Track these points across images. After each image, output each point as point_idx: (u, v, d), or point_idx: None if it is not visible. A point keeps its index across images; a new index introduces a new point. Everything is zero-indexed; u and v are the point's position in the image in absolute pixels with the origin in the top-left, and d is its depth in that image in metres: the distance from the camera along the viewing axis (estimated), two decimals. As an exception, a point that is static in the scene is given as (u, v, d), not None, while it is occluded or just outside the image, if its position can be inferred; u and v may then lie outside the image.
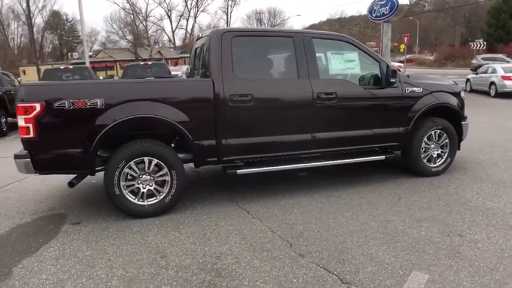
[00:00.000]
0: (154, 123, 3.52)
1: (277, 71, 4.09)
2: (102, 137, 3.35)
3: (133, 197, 3.58)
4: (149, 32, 49.15)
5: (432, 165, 4.73)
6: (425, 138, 4.63)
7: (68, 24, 69.87)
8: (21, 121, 3.21)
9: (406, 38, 19.87)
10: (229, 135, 3.76)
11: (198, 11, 55.52)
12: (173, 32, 57.29)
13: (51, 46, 65.55)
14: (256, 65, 3.97)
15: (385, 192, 4.22)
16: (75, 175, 3.63)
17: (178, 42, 59.60)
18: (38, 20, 54.15)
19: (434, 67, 38.46)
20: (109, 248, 3.04)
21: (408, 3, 14.07)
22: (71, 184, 3.53)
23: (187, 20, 55.45)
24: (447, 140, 4.76)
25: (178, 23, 54.98)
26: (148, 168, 3.57)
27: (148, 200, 3.62)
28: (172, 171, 3.62)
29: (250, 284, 2.49)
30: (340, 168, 4.92)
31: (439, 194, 4.13)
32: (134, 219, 3.57)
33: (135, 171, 3.54)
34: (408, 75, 4.61)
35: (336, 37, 4.37)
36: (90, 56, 53.10)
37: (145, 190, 3.60)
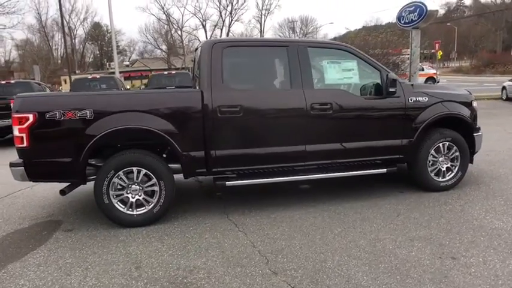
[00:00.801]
0: (142, 134, 3.57)
1: (270, 81, 4.03)
2: (91, 147, 3.44)
3: (123, 206, 3.63)
4: (184, 42, 50.73)
5: (441, 179, 4.45)
6: (432, 151, 4.36)
7: (108, 35, 73.49)
8: (15, 131, 3.36)
9: (437, 45, 19.08)
10: (218, 146, 3.74)
11: (232, 20, 56.50)
12: (207, 41, 58.51)
13: (92, 56, 69.09)
14: (248, 75, 3.94)
15: (384, 207, 4.01)
16: (68, 183, 3.74)
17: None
18: (80, 31, 57.34)
19: (471, 74, 36.63)
20: (90, 257, 3.09)
21: (438, 9, 13.58)
22: (62, 192, 3.65)
23: (221, 29, 56.52)
24: (457, 153, 4.46)
25: (212, 32, 56.06)
26: (137, 178, 3.62)
27: (138, 209, 3.67)
28: (161, 182, 3.64)
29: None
30: (345, 181, 4.75)
31: (443, 210, 3.86)
32: (124, 228, 3.62)
33: (124, 181, 3.60)
34: (413, 85, 4.38)
35: (333, 46, 4.25)
36: (127, 66, 55.62)
37: (134, 200, 3.64)
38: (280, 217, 3.82)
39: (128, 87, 25.26)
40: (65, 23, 52.05)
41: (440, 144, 4.39)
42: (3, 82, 10.55)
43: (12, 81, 11.26)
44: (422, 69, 23.59)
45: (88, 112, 3.43)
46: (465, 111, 4.44)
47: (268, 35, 56.96)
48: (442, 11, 59.45)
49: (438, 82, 26.36)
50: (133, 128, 3.51)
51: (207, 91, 3.68)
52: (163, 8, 50.07)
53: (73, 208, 4.31)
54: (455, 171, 4.49)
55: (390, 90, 3.97)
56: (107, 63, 60.00)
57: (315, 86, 4.00)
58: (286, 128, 3.90)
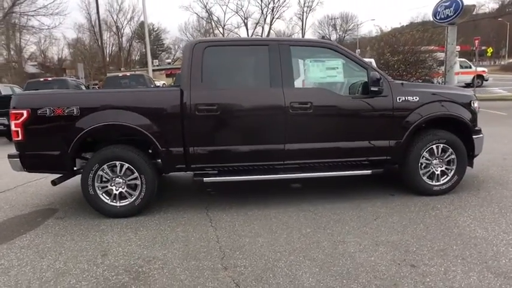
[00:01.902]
0: (125, 130, 3.78)
1: (250, 80, 4.06)
2: (77, 141, 3.70)
3: (108, 198, 3.88)
4: (226, 40, 51.55)
5: (434, 183, 4.23)
6: (424, 153, 4.16)
7: (154, 33, 76.70)
8: (12, 125, 3.71)
9: (476, 41, 17.77)
10: (197, 143, 3.86)
11: (273, 18, 56.43)
12: (248, 39, 58.96)
13: (138, 54, 72.28)
14: (228, 74, 4.00)
15: (366, 210, 3.91)
16: (60, 175, 4.05)
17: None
18: (127, 30, 60.17)
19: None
20: (68, 243, 3.35)
21: (475, 3, 12.66)
22: (53, 183, 3.97)
23: (263, 27, 56.68)
24: (453, 156, 4.22)
25: (254, 30, 56.48)
26: (120, 171, 3.84)
27: (121, 201, 3.89)
28: (142, 176, 3.84)
29: (158, 291, 2.56)
30: (337, 181, 4.69)
31: (427, 216, 3.69)
32: (108, 219, 3.86)
33: (108, 174, 3.83)
34: (402, 83, 4.19)
35: (317, 44, 4.19)
36: (169, 63, 57.66)
37: (117, 192, 3.87)
38: (256, 215, 3.86)
39: (163, 83, 26.22)
40: (113, 22, 55.01)
41: (434, 146, 4.17)
42: (41, 79, 11.51)
43: (50, 79, 12.22)
44: (470, 67, 22.10)
45: (75, 109, 3.69)
46: (462, 112, 4.18)
47: (309, 32, 56.17)
48: (495, 6, 55.04)
49: (487, 80, 24.55)
50: (114, 124, 3.72)
51: (186, 90, 3.81)
52: (205, 7, 51.35)
53: (72, 198, 4.65)
54: (450, 175, 4.25)
55: (372, 89, 3.85)
56: (152, 61, 62.59)
57: (296, 84, 3.98)
58: (265, 127, 3.92)
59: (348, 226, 3.52)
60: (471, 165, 4.45)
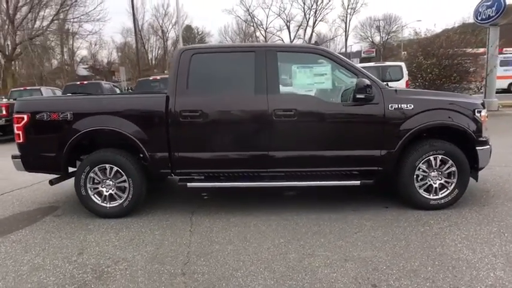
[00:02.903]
0: (113, 135, 3.95)
1: (236, 86, 4.04)
2: (70, 144, 3.93)
3: (99, 199, 4.07)
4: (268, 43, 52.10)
5: (432, 196, 3.96)
6: (420, 164, 3.91)
7: (199, 36, 79.02)
8: (15, 129, 4.03)
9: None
10: (181, 148, 3.94)
11: (316, 20, 55.77)
12: (291, 42, 58.93)
13: (183, 57, 74.52)
14: (214, 81, 4.03)
15: (351, 222, 3.75)
16: (57, 176, 4.31)
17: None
18: (172, 34, 62.46)
19: None
20: (53, 240, 3.58)
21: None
22: (50, 182, 4.25)
23: (305, 29, 56.20)
24: (454, 168, 3.92)
25: (296, 33, 56.17)
26: (110, 174, 4.02)
27: (111, 202, 4.07)
28: (130, 179, 3.99)
29: (113, 293, 2.65)
30: (335, 190, 4.51)
31: (413, 232, 3.46)
32: (99, 219, 4.06)
33: (99, 176, 4.03)
34: (396, 90, 3.97)
35: (306, 50, 4.09)
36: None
37: (107, 194, 4.06)
38: (238, 222, 3.86)
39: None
40: (159, 26, 57.37)
41: (431, 157, 3.91)
42: (78, 83, 12.34)
43: (85, 82, 13.06)
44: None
45: (69, 114, 3.93)
46: (463, 121, 3.87)
47: (352, 35, 54.62)
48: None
49: None
50: (103, 129, 3.91)
51: (172, 96, 3.91)
52: (248, 10, 51.97)
53: (74, 198, 4.86)
54: (450, 188, 3.96)
55: (358, 96, 3.69)
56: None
57: (282, 91, 3.92)
58: (248, 134, 3.91)
59: (324, 239, 3.40)
60: (475, 178, 4.11)
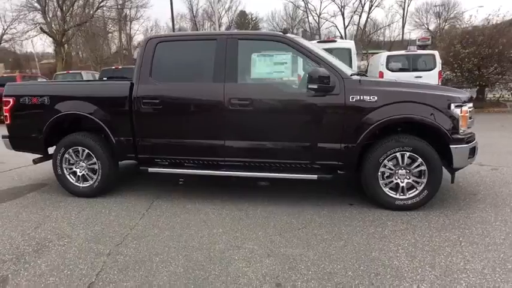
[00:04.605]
0: (84, 119, 4.17)
1: (196, 75, 3.99)
2: (48, 127, 4.23)
3: (74, 179, 4.36)
4: (321, 29, 50.83)
5: (398, 196, 3.67)
6: (386, 161, 3.62)
7: (252, 22, 79.05)
8: (4, 111, 4.43)
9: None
10: (144, 134, 4.05)
11: (372, 6, 52.77)
12: (345, 28, 56.64)
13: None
14: (176, 69, 4.04)
15: (304, 217, 3.61)
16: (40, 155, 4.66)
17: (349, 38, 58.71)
18: (225, 20, 63.14)
19: None
20: (23, 214, 3.91)
21: None
22: (34, 161, 4.62)
23: (360, 15, 53.49)
24: (424, 167, 3.58)
25: (350, 19, 53.72)
26: (82, 156, 4.28)
27: (84, 183, 4.34)
28: (99, 161, 4.21)
29: (34, 265, 2.85)
30: (309, 182, 4.32)
31: (360, 233, 3.24)
32: (72, 197, 4.34)
33: (72, 157, 4.31)
34: (360, 81, 3.66)
35: (267, 37, 3.92)
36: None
37: (80, 174, 4.33)
38: (192, 209, 3.90)
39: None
40: (212, 11, 58.47)
41: (398, 154, 3.60)
42: (113, 67, 13.06)
43: (120, 67, 13.78)
44: None
45: (46, 99, 4.23)
46: (434, 116, 3.48)
47: (409, 21, 50.67)
48: None
49: None
50: (75, 114, 4.15)
51: (136, 83, 4.02)
52: (302, -6, 50.67)
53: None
54: (420, 188, 3.62)
55: (310, 86, 3.48)
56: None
57: (240, 80, 3.83)
58: (205, 122, 3.89)
59: (262, 232, 3.33)
60: (452, 180, 3.72)
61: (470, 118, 3.73)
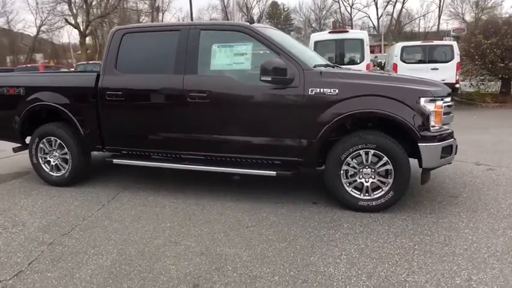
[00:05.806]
0: (53, 110, 4.23)
1: (158, 66, 3.88)
2: (23, 117, 4.34)
3: (48, 168, 4.46)
4: (353, 19, 49.44)
5: (362, 196, 3.42)
6: (348, 159, 3.38)
7: (284, 13, 77.98)
8: (-12, 101, 4.60)
9: None
10: (109, 126, 4.05)
11: (407, -5, 50.20)
12: (378, 18, 54.53)
13: (267, 34, 74.72)
14: (140, 61, 3.97)
15: (260, 215, 3.46)
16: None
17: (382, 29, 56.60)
18: (255, 10, 62.79)
19: None
20: (5, 202, 4.00)
21: None
22: (13, 150, 4.77)
23: (394, 5, 51.22)
24: (390, 166, 3.30)
25: (384, 9, 51.56)
26: (55, 146, 4.36)
27: (57, 172, 4.43)
28: (69, 152, 4.27)
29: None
30: (282, 179, 4.15)
31: (309, 235, 3.04)
32: (47, 186, 4.42)
33: (46, 147, 4.40)
34: (321, 72, 3.41)
35: (229, 27, 3.75)
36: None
37: (54, 164, 4.42)
38: (152, 202, 3.86)
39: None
40: (243, 2, 58.43)
41: (362, 152, 3.34)
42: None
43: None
44: None
45: (21, 89, 4.33)
46: (399, 111, 3.17)
47: (445, 12, 47.66)
48: None
49: None
50: (47, 105, 4.22)
51: (102, 75, 4.01)
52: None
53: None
54: (386, 189, 3.35)
55: (262, 79, 3.28)
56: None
57: (200, 72, 3.71)
58: (167, 115, 3.82)
59: (208, 228, 3.21)
60: (422, 181, 3.41)
61: (447, 114, 3.40)
